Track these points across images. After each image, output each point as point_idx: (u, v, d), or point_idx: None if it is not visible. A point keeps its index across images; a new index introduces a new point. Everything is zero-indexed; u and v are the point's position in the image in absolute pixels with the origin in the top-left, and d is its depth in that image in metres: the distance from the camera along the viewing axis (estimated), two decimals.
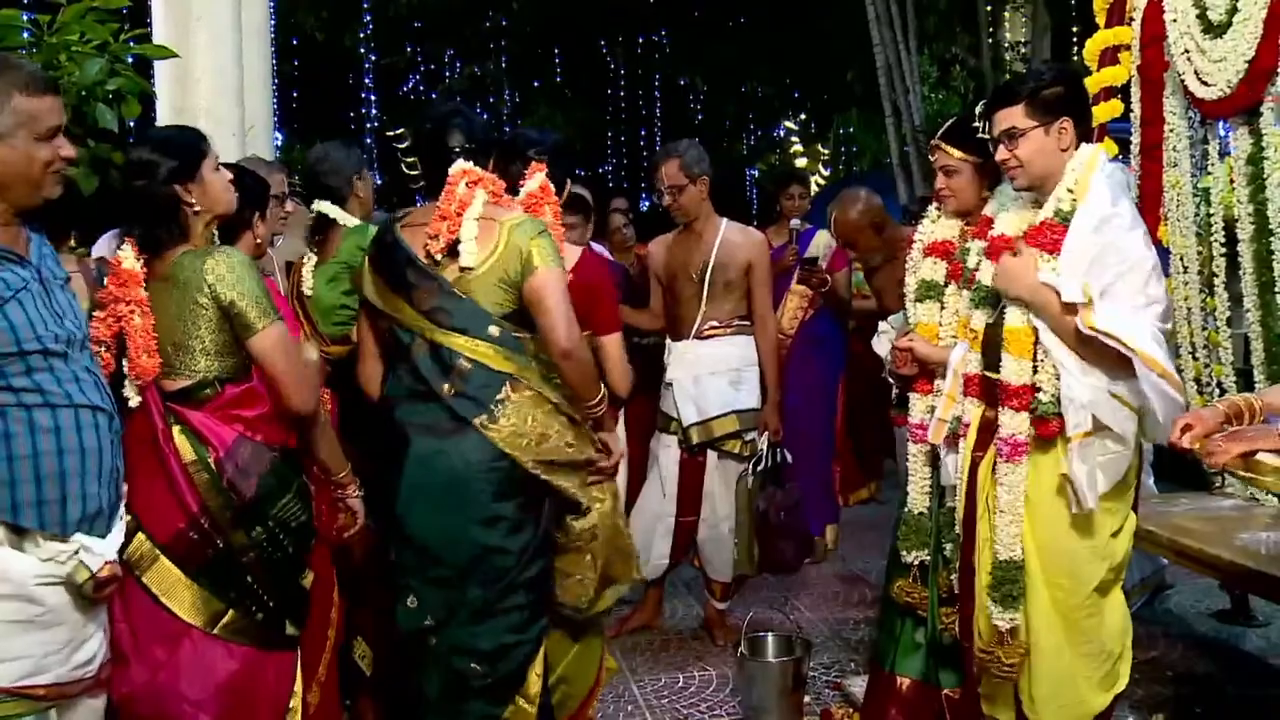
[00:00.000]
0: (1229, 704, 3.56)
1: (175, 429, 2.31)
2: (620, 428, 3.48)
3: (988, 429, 2.61)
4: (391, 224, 2.65)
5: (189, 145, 2.39)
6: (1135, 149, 3.79)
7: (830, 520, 5.32)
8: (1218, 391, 3.54)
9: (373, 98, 12.76)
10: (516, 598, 2.56)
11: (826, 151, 14.39)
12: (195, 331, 2.31)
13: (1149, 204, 3.66)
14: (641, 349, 4.30)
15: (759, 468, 4.02)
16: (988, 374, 2.61)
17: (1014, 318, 2.50)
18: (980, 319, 2.65)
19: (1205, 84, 3.33)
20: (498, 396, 2.50)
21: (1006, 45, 9.88)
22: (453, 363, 2.51)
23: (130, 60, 2.91)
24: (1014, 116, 2.52)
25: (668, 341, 4.21)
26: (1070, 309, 2.38)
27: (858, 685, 3.47)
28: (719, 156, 12.70)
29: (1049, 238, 2.47)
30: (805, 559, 4.55)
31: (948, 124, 3.00)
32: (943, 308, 2.97)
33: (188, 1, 4.06)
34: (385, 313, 2.61)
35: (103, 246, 2.80)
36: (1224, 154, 3.52)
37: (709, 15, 12.78)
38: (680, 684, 3.84)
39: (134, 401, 2.26)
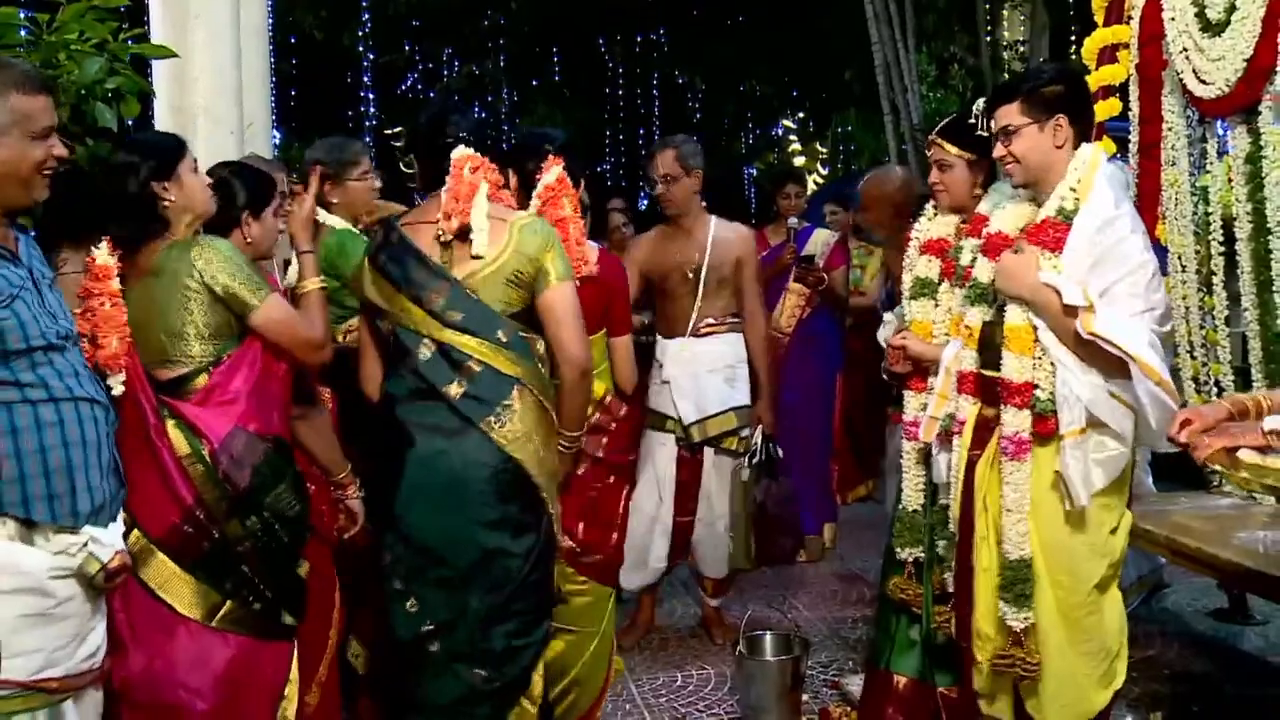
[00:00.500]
0: (1227, 703, 3.57)
1: (169, 423, 2.32)
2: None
3: (984, 427, 2.61)
4: (394, 223, 2.63)
5: (166, 146, 2.46)
6: (1133, 147, 3.79)
7: (828, 518, 5.33)
8: (1216, 390, 3.54)
9: (371, 96, 12.75)
10: (523, 601, 2.54)
11: (825, 150, 14.37)
12: (188, 317, 2.34)
13: (1147, 203, 3.66)
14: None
15: (754, 461, 4.02)
16: (984, 372, 2.61)
17: (1014, 315, 2.50)
18: (975, 316, 2.66)
19: (1204, 82, 3.33)
20: (505, 400, 2.49)
21: (1005, 44, 9.87)
22: (462, 363, 2.49)
23: (129, 59, 2.91)
24: (1010, 113, 2.53)
25: (659, 339, 4.18)
26: (1070, 311, 2.39)
27: (856, 684, 3.47)
28: (717, 155, 12.72)
29: (1052, 235, 2.47)
30: (799, 550, 4.64)
31: (945, 120, 3.03)
32: (937, 305, 2.98)
33: (186, 0, 4.05)
34: (388, 312, 2.59)
35: None
36: (1222, 153, 3.52)
37: (707, 14, 12.76)
38: (678, 683, 3.84)
39: (118, 390, 2.25)
